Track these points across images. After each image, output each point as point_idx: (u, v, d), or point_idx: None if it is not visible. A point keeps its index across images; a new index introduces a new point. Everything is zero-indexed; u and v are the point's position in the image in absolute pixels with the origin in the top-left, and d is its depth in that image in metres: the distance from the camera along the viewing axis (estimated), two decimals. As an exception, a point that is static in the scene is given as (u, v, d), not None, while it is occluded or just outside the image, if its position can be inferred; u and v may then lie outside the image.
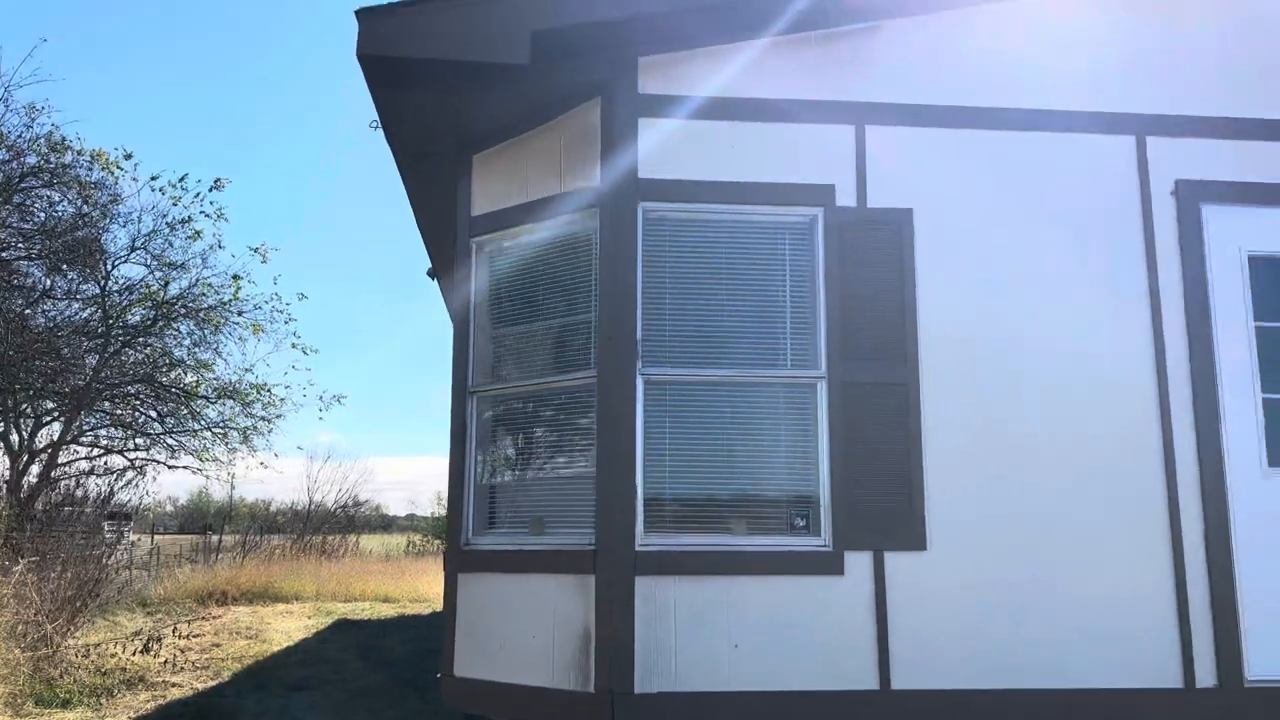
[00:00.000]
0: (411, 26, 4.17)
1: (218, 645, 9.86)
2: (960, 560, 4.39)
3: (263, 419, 16.56)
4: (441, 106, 4.69)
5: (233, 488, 22.97)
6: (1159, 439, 4.56)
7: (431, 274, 8.31)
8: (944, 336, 4.55)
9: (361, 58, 4.17)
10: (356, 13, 4.14)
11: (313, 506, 23.78)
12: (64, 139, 13.15)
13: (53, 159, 13.11)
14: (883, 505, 4.40)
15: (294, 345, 16.64)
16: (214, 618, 12.18)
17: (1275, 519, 4.52)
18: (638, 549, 4.27)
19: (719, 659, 4.24)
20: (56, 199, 13.57)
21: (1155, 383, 4.60)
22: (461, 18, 4.19)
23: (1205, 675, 4.39)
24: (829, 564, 4.34)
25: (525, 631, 4.48)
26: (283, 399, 16.55)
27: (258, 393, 16.31)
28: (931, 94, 4.73)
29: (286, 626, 11.64)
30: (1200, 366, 4.60)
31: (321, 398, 19.10)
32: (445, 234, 6.05)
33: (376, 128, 4.94)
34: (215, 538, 20.71)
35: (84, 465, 15.03)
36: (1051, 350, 4.59)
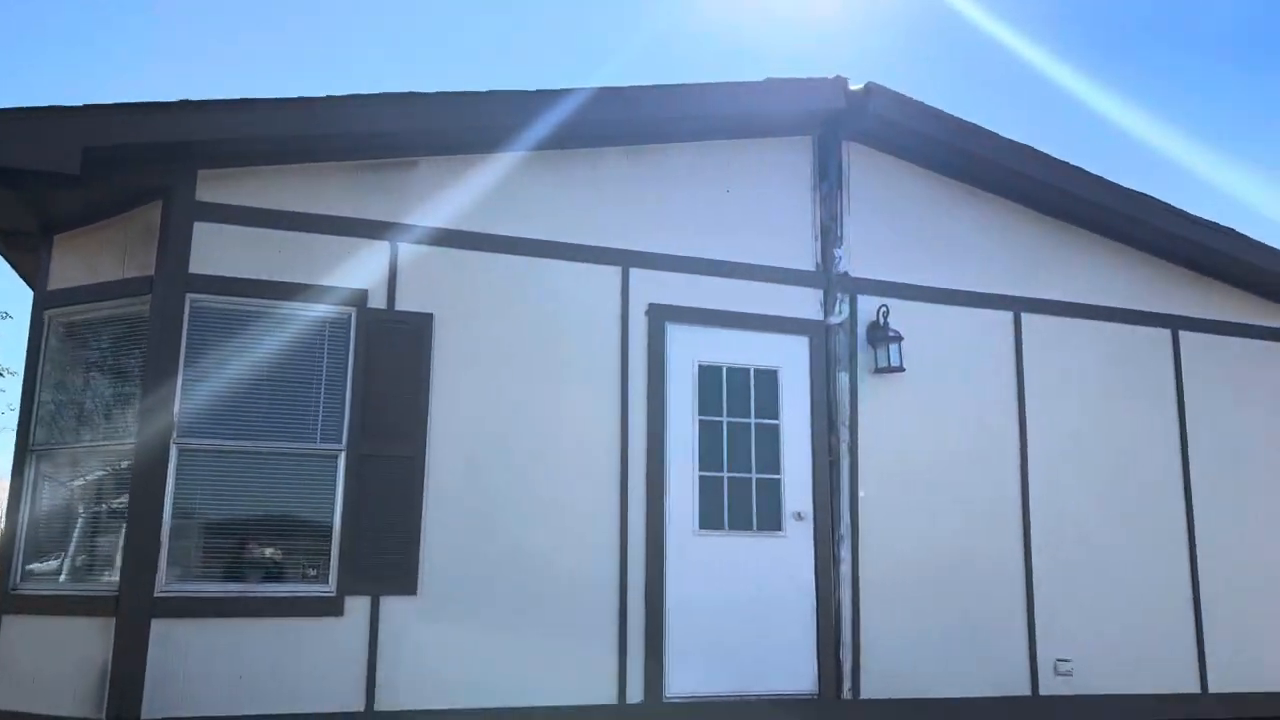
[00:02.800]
0: (-33, 135, 4.74)
1: None
2: (446, 602, 5.38)
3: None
4: (16, 197, 5.24)
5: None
6: (617, 506, 5.78)
7: None
8: (453, 419, 5.56)
9: (-75, 159, 4.69)
10: (-80, 119, 4.66)
11: None
12: None
13: None
14: (385, 558, 5.32)
15: None
16: None
17: (699, 569, 5.84)
18: (158, 595, 4.96)
19: (227, 688, 4.99)
20: None
21: (619, 462, 5.83)
22: (15, 131, 4.79)
23: (635, 693, 5.61)
24: (331, 607, 5.20)
25: (55, 667, 5.06)
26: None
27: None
28: (457, 220, 5.75)
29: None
30: (654, 449, 5.89)
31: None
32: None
33: (-40, 207, 5.39)
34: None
35: None
36: (541, 434, 5.71)
